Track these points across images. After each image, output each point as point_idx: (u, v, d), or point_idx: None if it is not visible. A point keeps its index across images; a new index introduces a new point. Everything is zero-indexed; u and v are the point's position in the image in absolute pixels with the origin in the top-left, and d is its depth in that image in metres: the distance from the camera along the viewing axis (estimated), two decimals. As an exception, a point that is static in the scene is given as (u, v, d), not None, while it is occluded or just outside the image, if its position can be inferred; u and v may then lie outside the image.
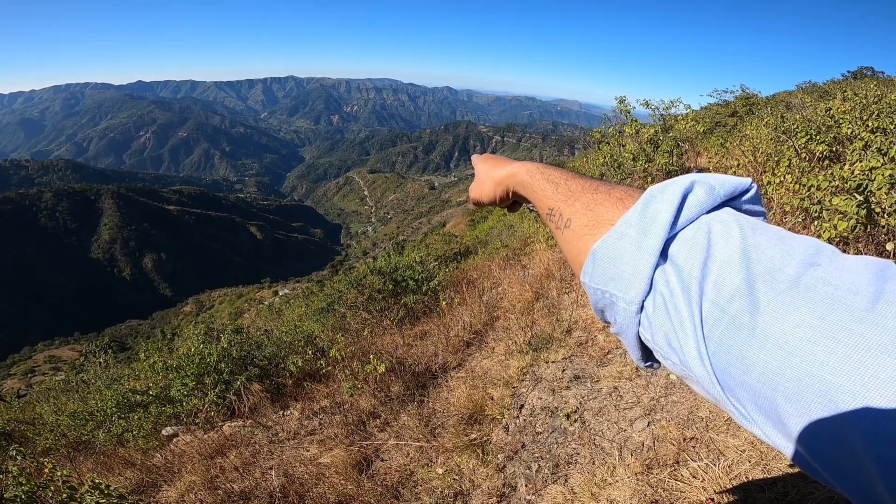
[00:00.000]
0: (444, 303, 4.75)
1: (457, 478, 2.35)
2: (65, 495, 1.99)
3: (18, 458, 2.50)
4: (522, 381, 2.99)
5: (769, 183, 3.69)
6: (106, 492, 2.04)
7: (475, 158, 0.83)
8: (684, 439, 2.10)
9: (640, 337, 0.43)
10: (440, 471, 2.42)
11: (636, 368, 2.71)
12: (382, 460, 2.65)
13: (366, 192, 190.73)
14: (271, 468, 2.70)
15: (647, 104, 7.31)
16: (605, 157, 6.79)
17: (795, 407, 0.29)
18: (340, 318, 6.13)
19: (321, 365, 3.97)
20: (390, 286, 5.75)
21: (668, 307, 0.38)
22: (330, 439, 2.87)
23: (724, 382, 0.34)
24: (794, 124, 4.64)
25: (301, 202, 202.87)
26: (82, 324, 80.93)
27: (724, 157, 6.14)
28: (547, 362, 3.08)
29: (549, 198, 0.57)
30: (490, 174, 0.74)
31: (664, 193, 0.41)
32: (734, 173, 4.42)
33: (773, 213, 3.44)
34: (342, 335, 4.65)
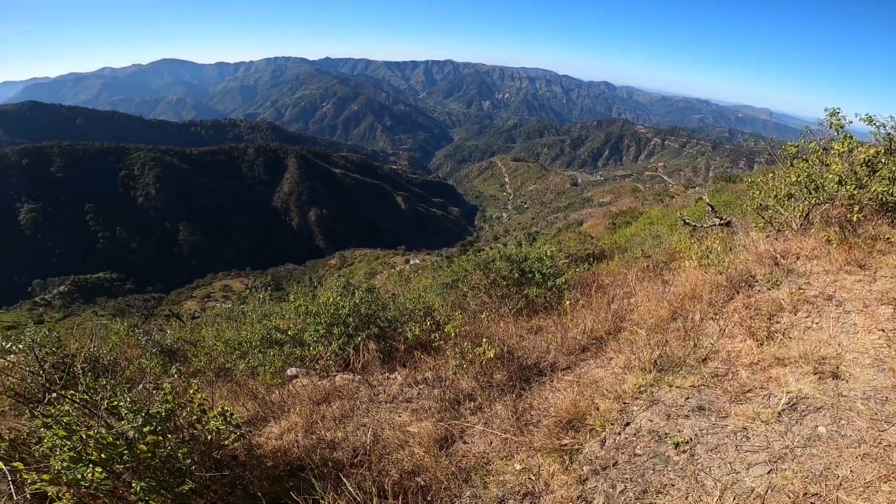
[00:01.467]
0: (567, 302, 4.53)
1: (532, 478, 2.26)
2: (194, 417, 2.29)
3: (175, 376, 2.88)
4: (637, 399, 2.73)
5: None
6: (228, 419, 2.34)
7: None
8: (805, 494, 1.82)
9: None
10: (518, 467, 2.34)
11: (779, 413, 2.34)
12: (465, 442, 2.65)
13: (506, 179, 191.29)
14: (363, 425, 2.89)
15: (870, 120, 5.88)
16: (798, 176, 5.67)
17: None
18: (461, 297, 6.27)
19: (434, 338, 4.12)
20: (516, 275, 5.69)
21: None
22: (423, 410, 2.97)
23: None
24: None
25: (444, 180, 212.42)
26: (254, 261, 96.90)
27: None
28: (670, 386, 2.76)
29: None
30: None
31: None
32: None
33: None
34: (460, 313, 4.75)
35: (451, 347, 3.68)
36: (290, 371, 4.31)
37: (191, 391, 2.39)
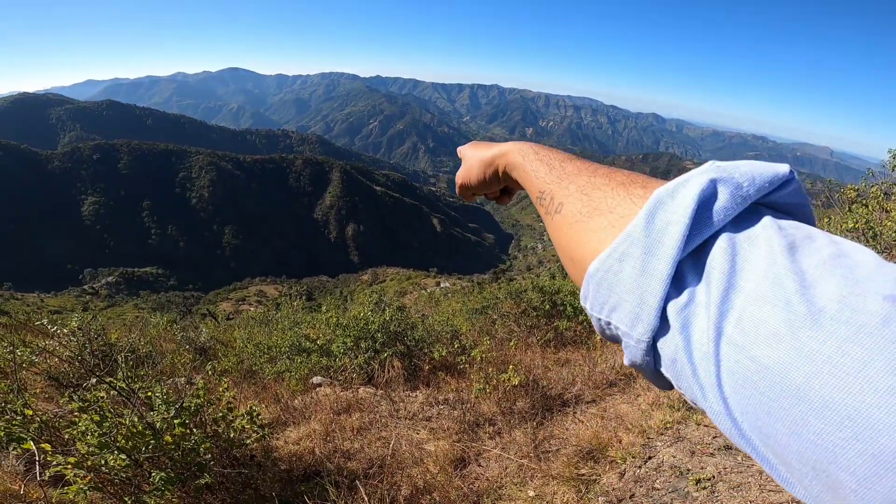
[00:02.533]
0: (598, 337, 4.42)
1: None
2: (220, 415, 2.36)
3: (210, 373, 2.95)
4: (662, 434, 2.62)
5: None
6: (254, 419, 2.40)
7: (462, 147, 0.75)
8: None
9: (659, 371, 0.33)
10: (531, 493, 2.27)
11: None
12: (480, 465, 2.61)
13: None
14: (381, 438, 2.89)
15: None
16: (855, 222, 5.37)
17: (873, 491, 0.20)
18: (490, 323, 6.23)
19: (460, 361, 4.09)
20: (547, 306, 5.61)
21: (675, 359, 0.30)
22: (441, 430, 2.94)
23: (754, 444, 0.26)
24: None
25: (481, 206, 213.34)
26: (290, 270, 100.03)
27: None
28: (698, 424, 2.64)
29: (540, 179, 0.50)
30: (478, 154, 0.66)
31: (674, 198, 0.32)
32: None
33: None
34: (487, 339, 4.71)
35: (475, 371, 3.65)
36: (315, 379, 4.38)
37: (220, 389, 2.47)
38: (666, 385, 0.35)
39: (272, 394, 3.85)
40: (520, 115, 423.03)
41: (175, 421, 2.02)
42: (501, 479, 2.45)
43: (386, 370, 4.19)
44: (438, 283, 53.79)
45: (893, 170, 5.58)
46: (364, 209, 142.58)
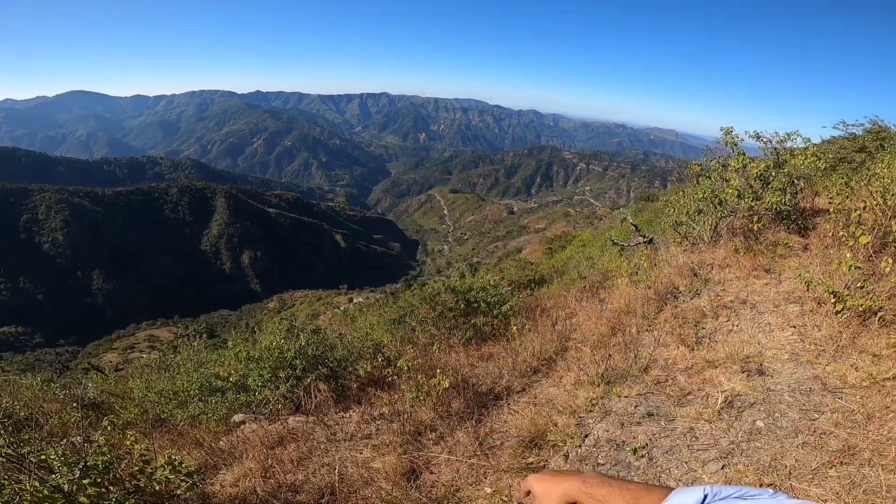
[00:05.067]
0: (514, 328, 4.66)
1: (504, 499, 2.29)
2: (136, 468, 2.16)
3: (109, 428, 2.70)
4: (590, 411, 2.85)
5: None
6: (177, 468, 2.19)
7: (527, 480, 0.90)
8: (761, 485, 1.93)
9: None
10: (488, 490, 2.35)
11: (718, 412, 2.52)
12: (431, 472, 2.63)
13: (445, 212, 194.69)
14: (325, 465, 2.78)
15: (757, 136, 6.71)
16: (704, 193, 6.32)
17: None
18: (410, 331, 6.23)
19: (387, 373, 4.05)
20: (462, 305, 5.76)
21: None
22: (384, 445, 2.91)
23: None
24: None
25: (383, 216, 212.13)
26: (182, 308, 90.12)
27: (847, 197, 5.45)
28: (619, 396, 2.91)
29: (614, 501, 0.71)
30: (550, 493, 0.82)
31: None
32: (859, 216, 3.91)
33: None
34: (410, 347, 4.72)
35: (404, 381, 3.64)
36: (237, 417, 4.07)
37: (128, 442, 2.23)
38: None
39: (191, 439, 3.52)
40: (411, 122, 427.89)
41: (84, 481, 1.77)
42: (456, 481, 2.49)
43: (312, 395, 4.01)
44: (351, 300, 52.41)
45: (726, 145, 6.69)
46: (258, 234, 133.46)
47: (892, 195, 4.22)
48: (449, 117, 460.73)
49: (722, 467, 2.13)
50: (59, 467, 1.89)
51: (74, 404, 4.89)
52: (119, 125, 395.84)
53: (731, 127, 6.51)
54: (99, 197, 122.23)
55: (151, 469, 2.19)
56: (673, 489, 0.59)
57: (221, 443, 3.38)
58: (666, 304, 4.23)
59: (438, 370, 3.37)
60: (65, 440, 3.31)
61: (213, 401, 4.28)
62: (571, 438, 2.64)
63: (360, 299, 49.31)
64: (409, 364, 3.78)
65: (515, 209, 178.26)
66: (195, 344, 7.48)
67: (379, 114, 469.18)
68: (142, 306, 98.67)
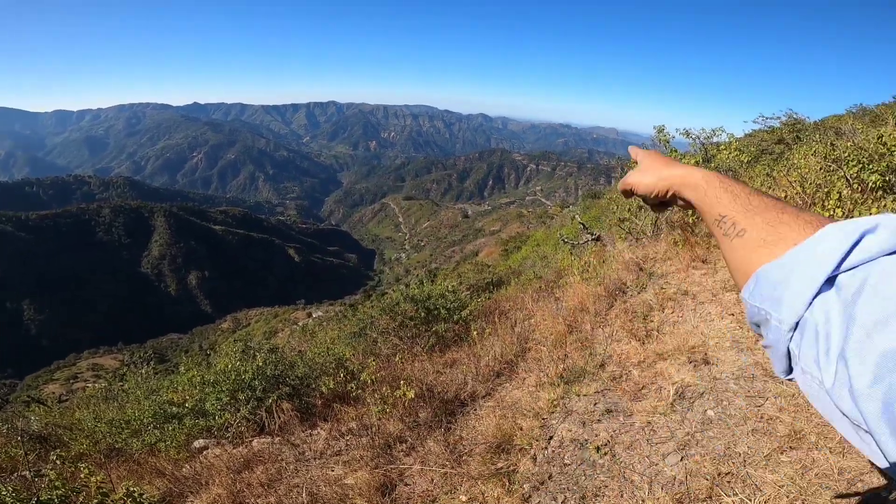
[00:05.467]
0: (475, 332, 4.73)
1: None
2: (96, 501, 2.05)
3: (58, 462, 2.56)
4: (553, 412, 2.93)
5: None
6: (139, 500, 2.09)
7: (639, 151, 0.84)
8: (719, 474, 2.04)
9: (788, 351, 0.46)
10: (464, 498, 2.38)
11: (671, 404, 2.64)
12: (406, 485, 2.63)
13: (400, 219, 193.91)
14: (296, 486, 2.72)
15: (687, 133, 7.17)
16: (641, 188, 6.68)
17: None
18: (372, 343, 6.18)
19: (351, 388, 4.01)
20: (422, 314, 5.78)
21: (818, 331, 0.41)
22: (355, 461, 2.88)
23: (867, 412, 0.35)
24: (844, 152, 4.44)
25: (337, 227, 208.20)
26: (126, 335, 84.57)
27: (770, 187, 5.96)
28: (578, 395, 3.01)
29: (723, 206, 0.59)
30: (657, 168, 0.74)
31: (842, 231, 0.43)
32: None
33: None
34: (373, 359, 4.69)
35: (370, 394, 3.62)
36: (198, 443, 3.91)
37: (82, 475, 2.10)
38: (783, 368, 0.48)
39: (151, 468, 3.35)
40: (361, 130, 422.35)
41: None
42: (432, 492, 2.50)
43: (276, 415, 3.91)
44: (310, 314, 50.99)
45: (659, 142, 7.12)
46: (204, 253, 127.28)
47: (810, 183, 4.65)
48: (399, 124, 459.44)
49: (681, 459, 2.21)
50: (12, 503, 1.77)
51: (18, 438, 4.57)
52: (40, 143, 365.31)
53: (664, 125, 6.91)
54: (23, 221, 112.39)
55: (111, 502, 2.09)
56: (826, 223, 0.48)
57: (184, 470, 3.24)
58: (616, 300, 4.44)
59: (402, 381, 3.38)
60: (14, 475, 3.12)
61: (170, 428, 4.13)
62: (537, 441, 2.70)
63: (320, 313, 48.10)
64: (373, 377, 3.77)
65: (470, 213, 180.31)
66: (143, 370, 7.09)
67: (327, 123, 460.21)
68: (82, 335, 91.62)
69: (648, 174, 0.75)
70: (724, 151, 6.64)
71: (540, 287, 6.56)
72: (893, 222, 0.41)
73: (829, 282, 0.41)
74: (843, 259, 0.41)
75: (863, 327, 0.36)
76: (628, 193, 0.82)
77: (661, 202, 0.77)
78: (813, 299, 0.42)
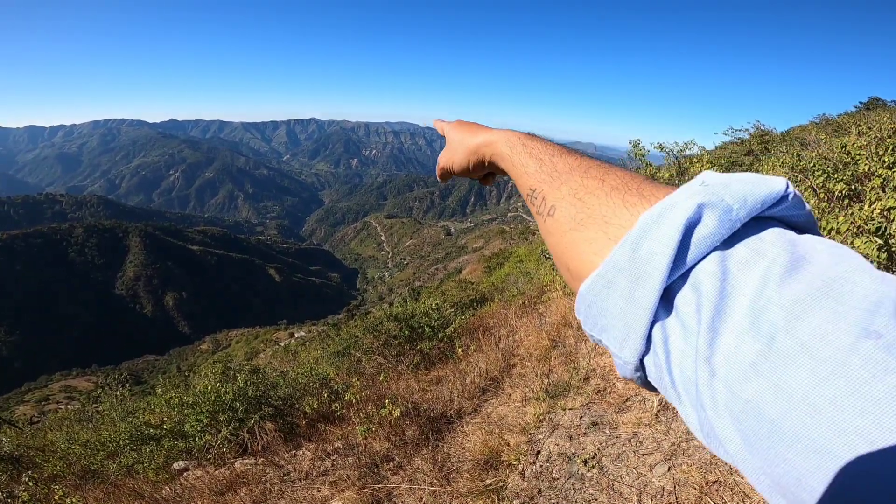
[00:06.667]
0: (460, 350, 4.75)
1: None
2: None
3: (31, 483, 2.50)
4: (539, 427, 2.96)
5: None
6: None
7: (444, 124, 0.73)
8: (707, 483, 2.07)
9: (648, 381, 0.35)
10: None
11: (656, 415, 2.69)
12: (395, 504, 2.61)
13: (383, 238, 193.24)
14: None
15: (661, 147, 7.41)
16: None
17: None
18: (356, 362, 6.15)
19: (336, 407, 3.98)
20: (406, 332, 5.78)
21: (667, 373, 0.31)
22: (342, 481, 2.85)
23: (737, 458, 0.27)
24: (810, 162, 4.63)
25: (319, 246, 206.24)
26: (100, 357, 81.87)
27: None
28: (564, 409, 3.05)
29: (530, 176, 0.49)
30: (464, 141, 0.65)
31: (660, 225, 0.32)
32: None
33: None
34: (357, 379, 4.66)
35: (355, 413, 3.59)
36: (178, 464, 3.81)
37: (56, 497, 2.04)
38: (655, 391, 0.35)
39: (128, 490, 3.25)
40: (342, 147, 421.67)
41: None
42: (421, 510, 2.48)
43: (258, 436, 3.84)
44: (293, 334, 49.99)
45: (635, 156, 7.34)
46: (182, 273, 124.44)
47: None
48: (381, 141, 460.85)
49: (668, 469, 2.24)
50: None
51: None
52: (11, 160, 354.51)
53: (639, 139, 7.12)
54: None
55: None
56: (630, 181, 0.38)
57: (164, 492, 3.16)
58: (598, 313, 4.51)
59: (388, 399, 3.37)
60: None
61: (148, 449, 4.05)
62: (525, 456, 2.72)
63: (302, 333, 47.22)
64: (358, 396, 3.75)
65: (453, 230, 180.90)
66: (119, 392, 6.91)
67: (308, 140, 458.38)
68: (54, 356, 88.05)
69: (459, 151, 0.66)
70: (696, 164, 6.89)
71: (523, 303, 6.63)
72: (721, 195, 0.31)
73: (665, 293, 0.31)
74: (673, 265, 0.30)
75: (724, 381, 0.27)
76: (446, 175, 0.72)
77: (486, 175, 0.69)
78: (649, 328, 0.32)
